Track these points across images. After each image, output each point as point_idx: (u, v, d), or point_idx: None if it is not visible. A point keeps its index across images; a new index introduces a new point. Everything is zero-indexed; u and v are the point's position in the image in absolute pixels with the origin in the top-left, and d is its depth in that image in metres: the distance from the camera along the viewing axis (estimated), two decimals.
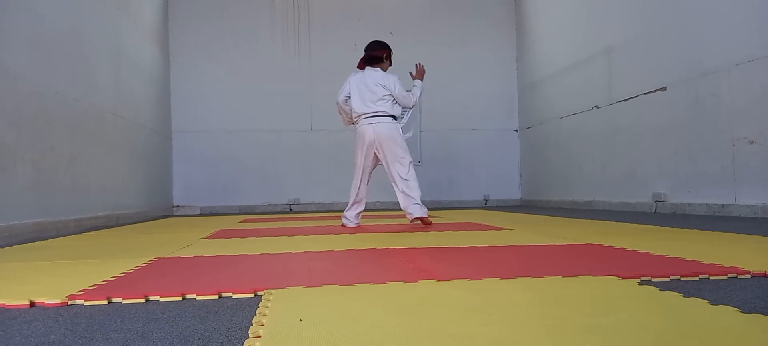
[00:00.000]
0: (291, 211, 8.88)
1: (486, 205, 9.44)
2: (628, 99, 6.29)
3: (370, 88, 4.13)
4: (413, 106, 4.29)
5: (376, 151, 4.20)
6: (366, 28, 9.31)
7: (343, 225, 4.32)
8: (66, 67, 4.75)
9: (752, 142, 4.62)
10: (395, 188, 4.21)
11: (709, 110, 5.08)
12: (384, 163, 4.22)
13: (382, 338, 1.02)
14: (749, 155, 4.66)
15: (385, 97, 4.13)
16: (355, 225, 4.29)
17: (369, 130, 4.14)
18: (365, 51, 4.32)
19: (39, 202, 4.18)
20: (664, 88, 5.67)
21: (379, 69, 4.24)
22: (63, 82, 4.65)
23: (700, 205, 5.20)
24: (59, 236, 4.00)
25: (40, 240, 3.66)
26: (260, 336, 1.05)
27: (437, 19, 9.48)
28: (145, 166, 7.15)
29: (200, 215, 8.35)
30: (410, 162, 4.20)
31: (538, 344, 0.96)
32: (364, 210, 4.51)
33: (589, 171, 7.20)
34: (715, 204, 5.01)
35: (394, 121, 4.19)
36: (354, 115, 4.24)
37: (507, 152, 9.61)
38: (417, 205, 4.11)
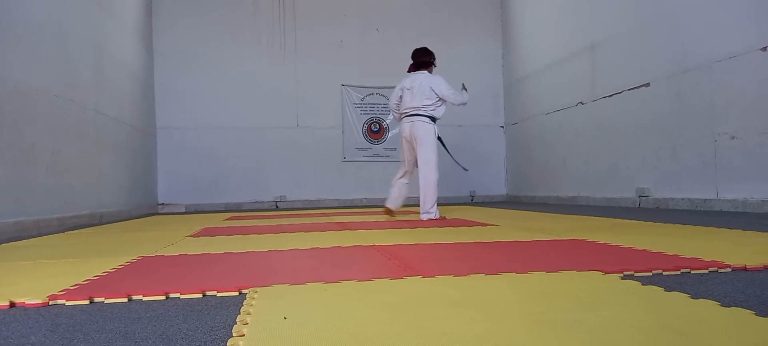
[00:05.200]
0: (277, 208, 8.84)
1: (472, 201, 9.47)
2: (611, 95, 6.35)
3: (417, 88, 4.55)
4: (457, 103, 4.72)
5: (413, 146, 4.61)
6: (352, 25, 9.30)
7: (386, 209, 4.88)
8: (47, 63, 4.68)
9: (733, 138, 4.69)
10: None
11: (691, 106, 5.14)
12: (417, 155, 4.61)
13: (367, 336, 1.02)
14: (730, 150, 4.72)
15: (430, 97, 4.53)
16: (394, 208, 4.86)
17: (407, 126, 4.59)
18: (412, 58, 4.76)
19: (19, 200, 4.12)
20: (647, 84, 5.73)
21: (425, 72, 4.67)
22: (44, 79, 4.59)
23: (682, 199, 5.26)
24: (41, 235, 3.94)
25: (21, 239, 3.60)
26: (244, 335, 1.04)
27: (423, 16, 9.47)
28: (129, 164, 7.08)
29: (185, 212, 8.29)
30: (435, 166, 4.57)
31: (523, 339, 0.97)
32: (402, 206, 5.01)
33: (574, 167, 7.26)
34: (697, 199, 5.08)
35: (431, 122, 4.54)
36: (401, 110, 4.69)
37: (493, 148, 9.65)
38: (426, 213, 4.54)
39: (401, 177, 4.82)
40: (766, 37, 4.34)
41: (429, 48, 4.78)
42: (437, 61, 9.00)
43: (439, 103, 4.58)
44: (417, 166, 4.64)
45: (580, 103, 7.01)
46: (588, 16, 6.81)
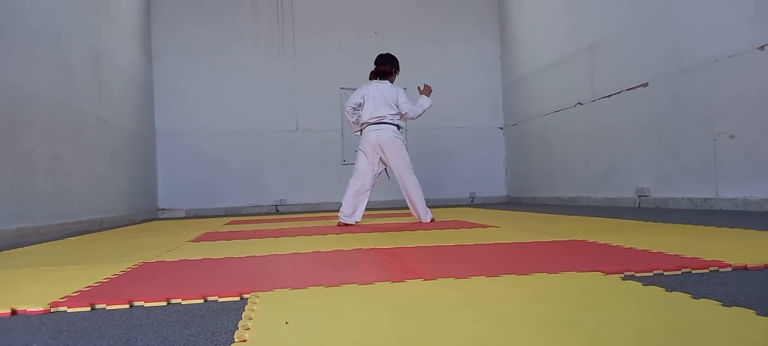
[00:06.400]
0: (277, 212, 8.84)
1: (472, 202, 9.47)
2: (610, 95, 6.35)
3: (380, 98, 4.43)
4: (415, 117, 4.56)
5: (381, 157, 4.46)
6: (350, 28, 9.30)
7: (339, 223, 4.43)
8: (45, 68, 4.68)
9: (732, 137, 4.69)
10: (404, 192, 4.54)
11: (690, 105, 5.15)
12: (394, 171, 4.50)
13: (369, 339, 1.02)
14: (730, 150, 4.73)
15: (394, 108, 4.44)
16: (354, 223, 4.44)
17: (373, 135, 4.41)
18: (375, 64, 4.61)
19: (19, 207, 4.11)
20: (646, 84, 5.73)
21: (387, 82, 4.54)
22: (42, 83, 4.59)
23: (682, 199, 5.26)
24: (42, 242, 3.94)
25: (22, 246, 3.60)
26: (246, 340, 1.04)
27: (422, 18, 9.49)
28: (129, 169, 7.08)
29: (185, 217, 8.29)
30: (411, 169, 4.47)
31: (524, 341, 0.97)
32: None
33: (573, 167, 7.26)
34: (697, 198, 5.08)
35: (398, 130, 4.48)
36: (362, 120, 4.51)
37: (492, 150, 9.65)
38: (419, 213, 4.49)
39: (363, 191, 4.46)
40: (764, 36, 4.35)
41: (393, 54, 4.63)
42: (437, 63, 8.86)
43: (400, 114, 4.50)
44: (377, 178, 4.55)
45: (579, 103, 7.01)
46: (586, 17, 6.82)
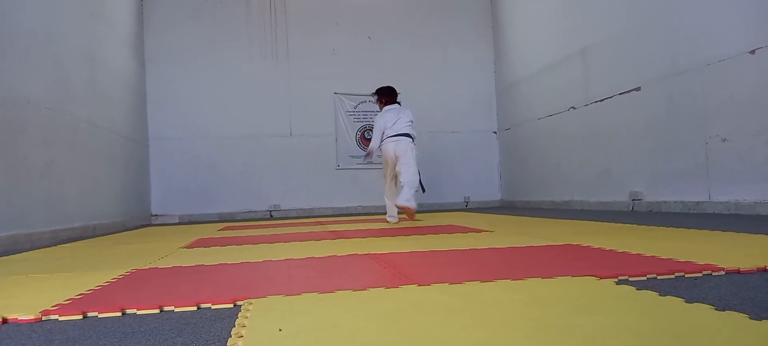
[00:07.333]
0: (272, 217, 8.82)
1: (467, 206, 9.48)
2: (603, 99, 6.38)
3: (398, 118, 5.42)
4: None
5: (396, 159, 5.33)
6: (344, 32, 9.31)
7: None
8: (39, 74, 4.66)
9: (725, 140, 4.72)
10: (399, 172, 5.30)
11: (682, 109, 5.18)
12: (396, 166, 5.31)
13: (363, 345, 1.01)
14: (722, 153, 4.75)
15: (408, 123, 5.41)
16: (397, 219, 5.46)
17: (392, 146, 5.32)
18: (385, 95, 5.62)
19: (12, 213, 4.08)
20: (638, 88, 5.76)
21: (397, 104, 5.60)
22: (36, 89, 4.56)
23: (675, 202, 5.29)
24: (34, 249, 3.91)
25: (14, 253, 3.57)
26: None
27: (415, 23, 9.51)
28: (122, 175, 7.04)
29: (179, 223, 8.25)
30: (416, 170, 5.26)
31: None
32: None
33: (567, 171, 7.29)
34: (690, 201, 5.10)
35: (412, 140, 5.36)
36: (384, 135, 5.40)
37: (486, 154, 9.66)
38: (409, 200, 5.15)
39: (390, 192, 5.51)
40: (756, 40, 4.39)
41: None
42: (431, 68, 9.68)
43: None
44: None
45: (573, 107, 7.04)
46: (579, 21, 6.85)
